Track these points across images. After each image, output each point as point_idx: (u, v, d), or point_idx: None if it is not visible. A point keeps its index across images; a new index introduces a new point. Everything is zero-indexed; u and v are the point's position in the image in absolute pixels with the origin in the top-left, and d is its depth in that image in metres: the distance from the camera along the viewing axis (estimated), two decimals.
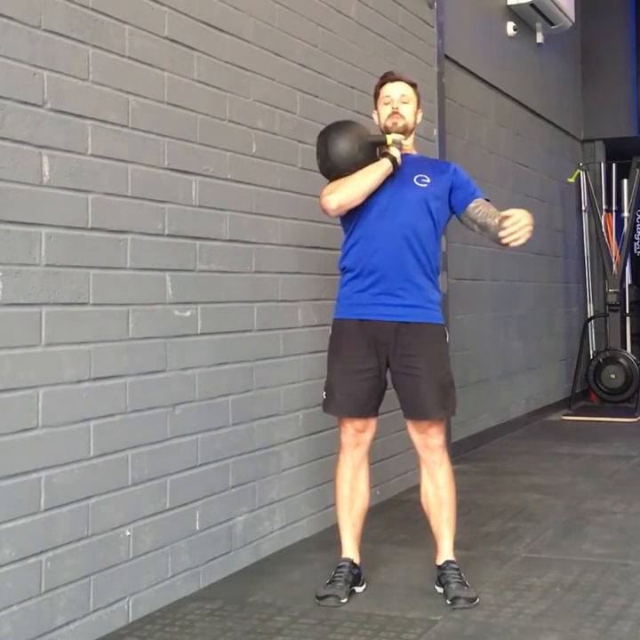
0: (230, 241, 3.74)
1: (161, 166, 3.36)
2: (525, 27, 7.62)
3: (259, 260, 3.91)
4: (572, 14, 7.94)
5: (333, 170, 3.45)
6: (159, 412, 3.33)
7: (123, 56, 3.18)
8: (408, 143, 3.52)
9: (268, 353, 3.97)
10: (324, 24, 4.46)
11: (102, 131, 3.09)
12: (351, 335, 3.42)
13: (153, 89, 3.32)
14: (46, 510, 2.85)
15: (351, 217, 3.44)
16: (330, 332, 3.51)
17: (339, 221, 3.56)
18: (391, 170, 3.40)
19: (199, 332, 3.53)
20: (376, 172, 3.38)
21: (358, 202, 3.38)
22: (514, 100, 7.43)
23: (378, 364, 3.42)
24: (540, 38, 7.90)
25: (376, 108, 3.58)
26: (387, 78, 3.56)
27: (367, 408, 3.44)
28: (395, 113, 3.48)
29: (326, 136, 3.48)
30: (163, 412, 3.35)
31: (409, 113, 3.50)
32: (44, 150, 2.86)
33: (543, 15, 7.56)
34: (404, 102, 3.50)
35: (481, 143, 6.76)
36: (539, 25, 7.77)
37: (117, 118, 3.15)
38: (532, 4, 7.27)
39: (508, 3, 7.21)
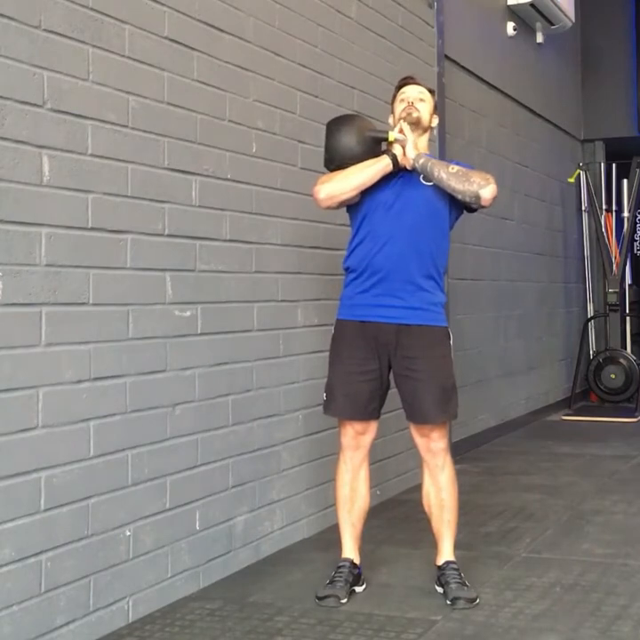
0: (230, 241, 3.74)
1: (161, 166, 3.36)
2: (525, 27, 7.62)
3: (259, 260, 3.91)
4: (572, 14, 7.94)
5: (331, 161, 3.45)
6: (159, 411, 3.33)
7: (123, 56, 3.18)
8: (422, 144, 3.47)
9: (268, 353, 3.97)
10: (323, 24, 4.46)
11: (102, 131, 3.08)
12: (352, 337, 3.41)
13: (153, 89, 3.32)
14: (46, 510, 2.85)
15: (357, 216, 3.43)
16: (332, 332, 3.51)
17: (346, 221, 3.54)
18: (390, 167, 3.36)
19: (199, 332, 3.53)
20: (372, 168, 3.35)
21: (349, 195, 3.36)
22: (514, 100, 7.42)
23: (379, 366, 3.41)
24: (540, 38, 7.90)
25: (392, 111, 3.55)
26: (405, 81, 3.55)
27: (368, 410, 3.43)
28: (409, 105, 3.44)
29: (328, 128, 3.49)
30: (163, 412, 3.35)
31: (424, 110, 3.46)
32: (44, 150, 2.86)
33: (543, 15, 7.56)
34: (421, 100, 3.48)
35: (481, 143, 6.76)
36: (539, 25, 7.77)
37: (117, 118, 3.15)
38: (531, 4, 7.27)
39: (508, 3, 7.21)
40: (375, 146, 3.43)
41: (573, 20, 8.04)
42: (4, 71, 2.72)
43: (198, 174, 3.55)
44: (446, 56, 5.98)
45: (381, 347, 3.38)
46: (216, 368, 3.63)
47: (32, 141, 2.81)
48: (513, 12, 7.31)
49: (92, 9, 3.05)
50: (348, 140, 3.41)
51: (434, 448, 3.41)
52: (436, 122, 3.56)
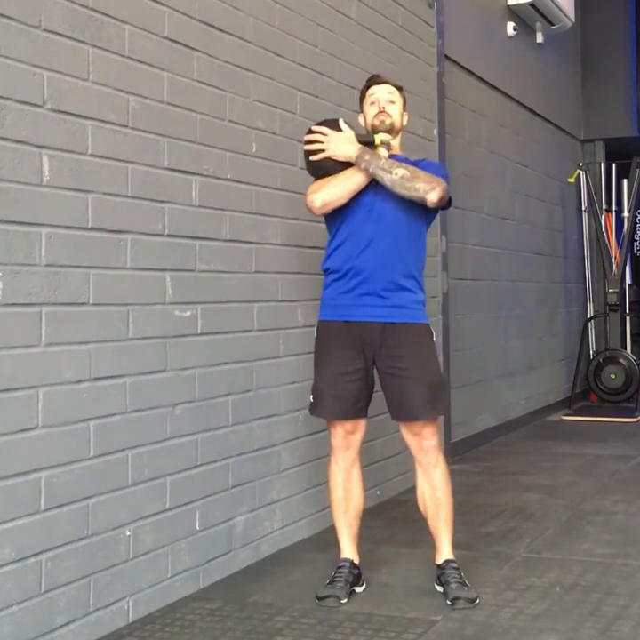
0: (230, 241, 3.74)
1: (161, 166, 3.36)
2: (525, 27, 7.62)
3: (259, 260, 3.91)
4: (571, 14, 7.94)
5: (319, 168, 3.44)
6: (159, 411, 3.33)
7: (123, 56, 3.18)
8: (395, 144, 3.48)
9: (268, 353, 3.97)
10: (323, 24, 4.46)
11: (102, 131, 3.09)
12: (338, 337, 3.41)
13: (153, 89, 3.32)
14: (46, 510, 2.85)
15: (336, 217, 3.43)
16: (315, 335, 3.51)
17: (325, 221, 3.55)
18: None
19: (199, 332, 3.54)
20: (362, 172, 3.35)
21: (343, 201, 3.36)
22: (514, 100, 7.43)
23: (365, 365, 3.41)
24: (540, 38, 7.90)
25: (362, 111, 3.56)
26: (373, 81, 3.55)
27: (356, 408, 3.43)
28: (381, 112, 3.46)
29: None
30: (163, 412, 3.35)
31: (395, 112, 3.48)
32: (44, 150, 2.86)
33: (543, 15, 7.56)
34: (391, 102, 3.49)
35: (481, 143, 6.76)
36: (539, 25, 7.77)
37: (117, 118, 3.15)
38: (531, 4, 7.27)
39: (508, 3, 7.21)
40: None
41: (573, 20, 8.04)
42: (4, 71, 2.72)
43: (198, 174, 3.55)
44: (446, 56, 5.98)
45: (366, 346, 3.38)
46: (216, 368, 3.63)
47: (32, 141, 2.81)
48: (513, 12, 7.32)
49: (92, 9, 3.05)
50: None
51: (426, 446, 3.41)
52: (406, 119, 3.56)
